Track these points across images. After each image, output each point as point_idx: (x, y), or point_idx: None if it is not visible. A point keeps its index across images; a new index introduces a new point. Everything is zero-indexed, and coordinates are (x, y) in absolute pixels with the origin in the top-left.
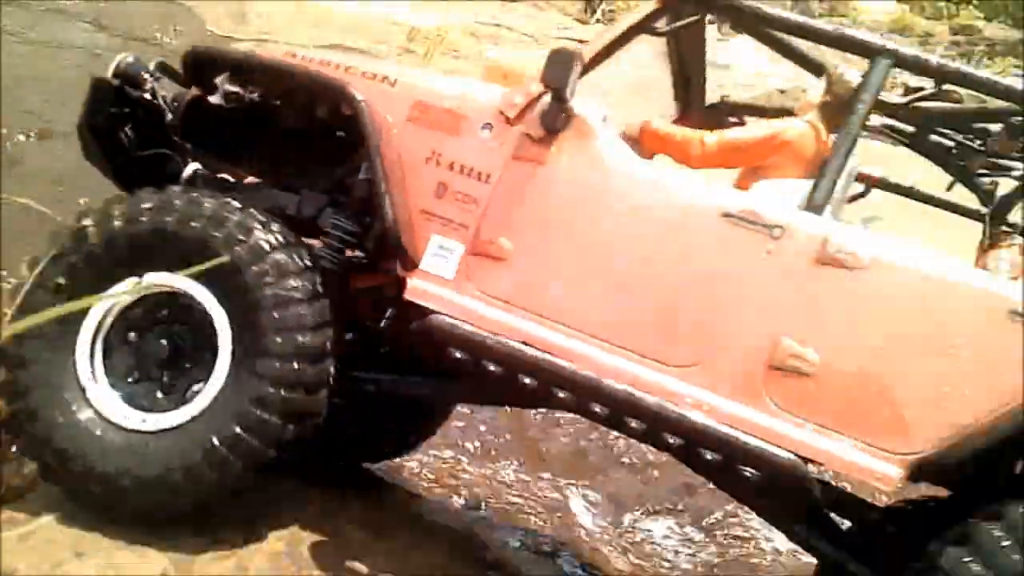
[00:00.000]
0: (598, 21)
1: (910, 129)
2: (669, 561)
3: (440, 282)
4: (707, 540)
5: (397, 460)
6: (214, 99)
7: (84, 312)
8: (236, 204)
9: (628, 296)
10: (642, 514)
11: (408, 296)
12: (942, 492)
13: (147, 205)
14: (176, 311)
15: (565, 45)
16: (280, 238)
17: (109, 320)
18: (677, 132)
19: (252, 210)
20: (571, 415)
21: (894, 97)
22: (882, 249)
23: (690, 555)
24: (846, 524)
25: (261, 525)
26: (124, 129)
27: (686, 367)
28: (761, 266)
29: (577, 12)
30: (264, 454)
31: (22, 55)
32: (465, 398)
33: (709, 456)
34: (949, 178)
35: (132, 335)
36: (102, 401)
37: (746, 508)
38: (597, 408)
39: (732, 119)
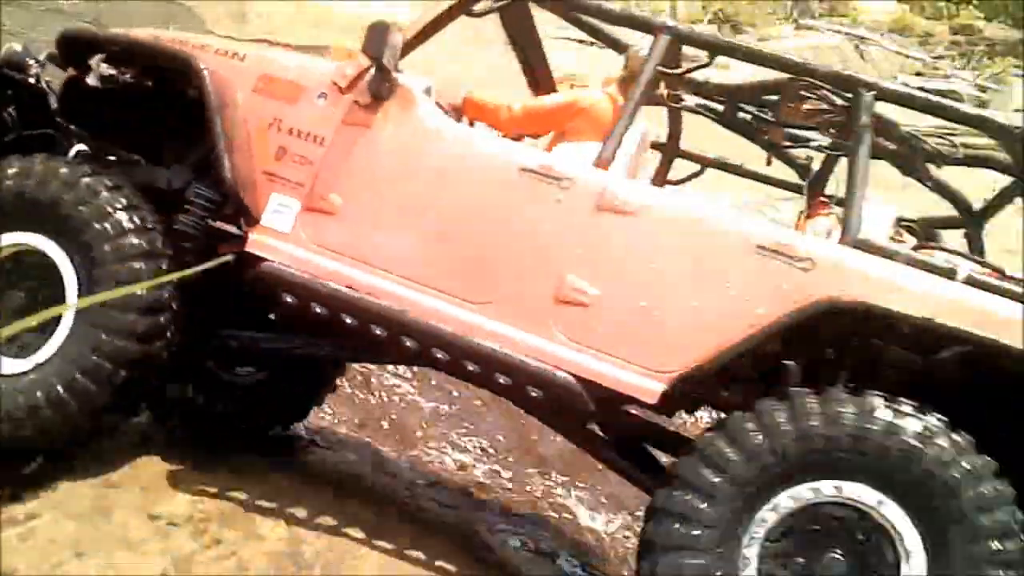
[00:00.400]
0: None
1: (721, 108)
2: None
3: (278, 235)
4: None
5: (396, 460)
6: (91, 80)
7: None
8: (89, 170)
9: (439, 243)
10: (642, 514)
11: (249, 248)
12: None
13: (11, 171)
14: (27, 268)
15: (383, 19)
16: (124, 200)
17: None
18: (491, 101)
19: (104, 176)
20: None
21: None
22: (650, 197)
23: None
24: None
25: (261, 525)
26: (8, 111)
27: (485, 303)
28: (551, 213)
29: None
30: (99, 396)
31: None
32: (313, 350)
33: (502, 380)
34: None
35: None
36: None
37: None
38: (408, 343)
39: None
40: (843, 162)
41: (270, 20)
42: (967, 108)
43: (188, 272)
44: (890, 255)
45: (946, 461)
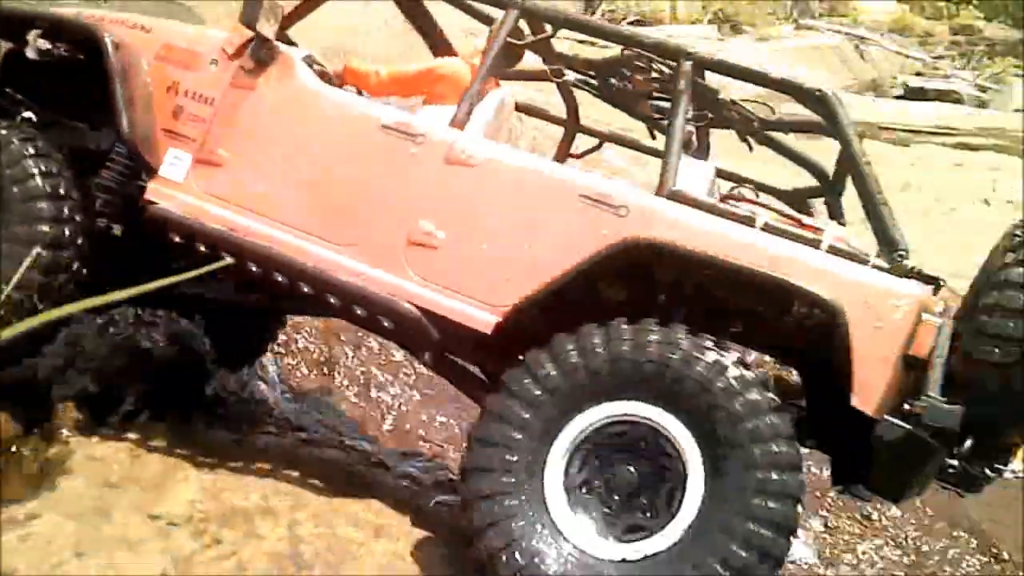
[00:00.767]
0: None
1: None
2: None
3: (173, 185)
4: None
5: (397, 460)
6: (29, 54)
7: None
8: (24, 135)
9: (310, 191)
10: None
11: (147, 196)
12: None
13: None
14: None
15: None
16: (36, 149)
17: None
18: (363, 68)
19: (33, 139)
20: None
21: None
22: (493, 151)
23: None
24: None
25: (261, 525)
26: None
27: (349, 245)
28: (406, 165)
29: (577, 12)
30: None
31: None
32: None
33: (359, 311)
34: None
35: None
36: None
37: None
38: (280, 278)
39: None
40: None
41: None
42: (776, 74)
43: (183, 276)
44: (698, 205)
45: (731, 392)
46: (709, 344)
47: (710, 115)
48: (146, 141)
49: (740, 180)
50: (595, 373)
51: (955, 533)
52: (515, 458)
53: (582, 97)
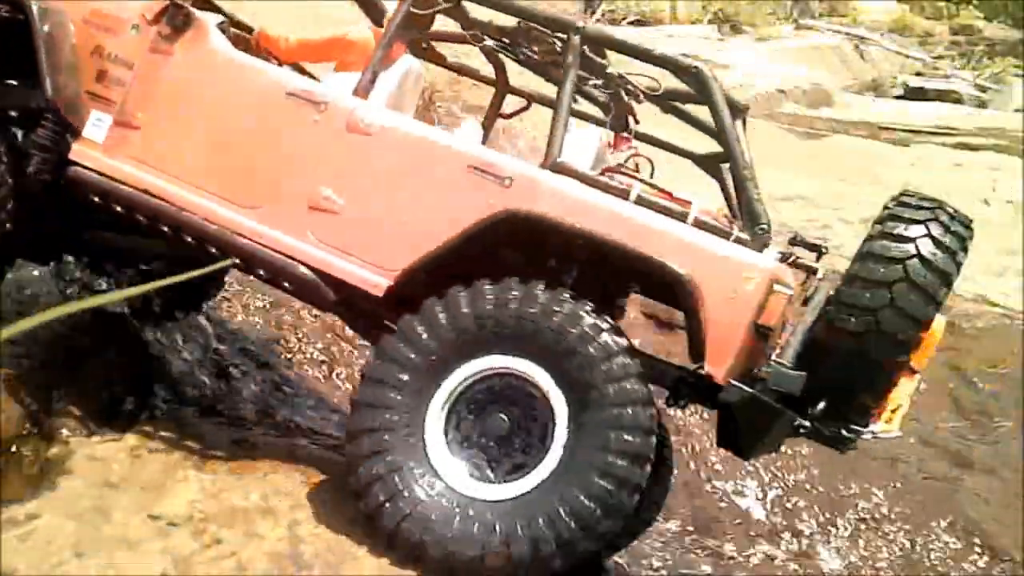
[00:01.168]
0: (598, 21)
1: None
2: (667, 560)
3: (93, 146)
4: (704, 539)
5: None
6: None
7: None
8: None
9: (219, 155)
10: (642, 513)
11: (70, 156)
12: None
13: None
14: None
15: None
16: None
17: None
18: (274, 35)
19: None
20: None
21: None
22: (390, 120)
23: (687, 554)
24: None
25: (261, 525)
26: None
27: (254, 208)
28: (309, 132)
29: (577, 12)
30: None
31: None
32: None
33: (261, 272)
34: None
35: None
36: None
37: (742, 509)
38: (188, 239)
39: None
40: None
41: (267, 19)
42: (657, 50)
43: (186, 276)
44: (578, 177)
45: (586, 338)
46: (565, 297)
47: (621, 88)
48: (71, 103)
49: (659, 144)
50: (463, 331)
51: (955, 533)
52: (395, 417)
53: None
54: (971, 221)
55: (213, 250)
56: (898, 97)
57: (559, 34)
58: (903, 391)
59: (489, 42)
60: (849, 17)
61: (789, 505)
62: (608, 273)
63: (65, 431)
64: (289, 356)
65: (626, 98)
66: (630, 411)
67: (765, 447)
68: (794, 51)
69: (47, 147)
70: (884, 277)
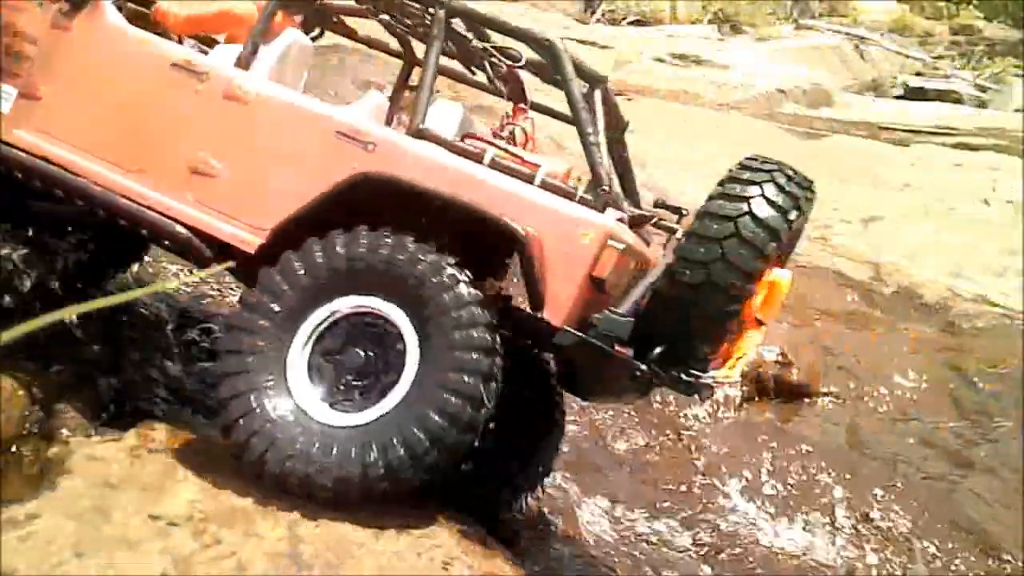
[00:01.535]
0: (598, 21)
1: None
2: (667, 560)
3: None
4: (704, 539)
5: None
6: None
7: None
8: None
9: (111, 123)
10: (641, 514)
11: None
12: None
13: None
14: None
15: None
16: None
17: None
18: (166, 10)
19: None
20: (570, 417)
21: None
22: (266, 89)
23: (687, 554)
24: None
25: (261, 525)
26: None
27: (140, 172)
28: (191, 100)
29: (577, 12)
30: None
31: None
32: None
33: (144, 232)
34: None
35: None
36: None
37: (743, 509)
38: (79, 202)
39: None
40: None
41: None
42: (513, 24)
43: (191, 278)
44: (439, 142)
45: (443, 287)
46: (430, 248)
47: (486, 59)
48: None
49: (552, 113)
50: (334, 271)
51: (955, 533)
52: (257, 359)
53: None
54: (811, 183)
55: (100, 212)
56: (898, 97)
57: (428, 8)
58: (749, 341)
59: (385, 16)
60: (849, 17)
61: (789, 505)
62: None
63: (65, 431)
64: None
65: (490, 70)
66: (472, 356)
67: (604, 390)
68: (794, 51)
69: None
70: (717, 233)
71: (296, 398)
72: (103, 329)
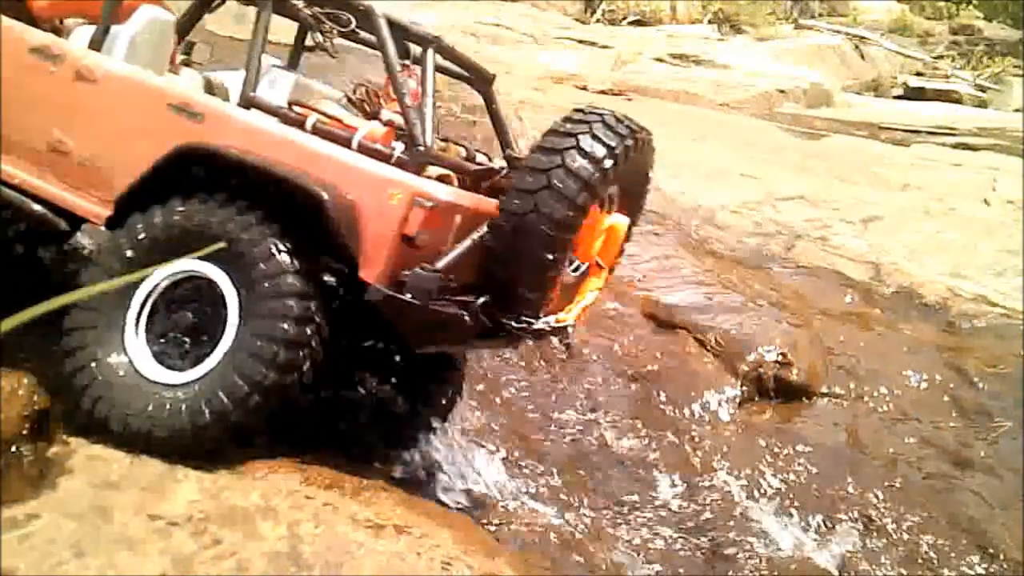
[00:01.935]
0: (598, 21)
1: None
2: (667, 560)
3: None
4: (705, 540)
5: (395, 461)
6: None
7: None
8: None
9: None
10: (641, 514)
11: None
12: None
13: None
14: None
15: None
16: None
17: None
18: None
19: None
20: (570, 418)
21: None
22: (112, 67)
23: (688, 555)
24: None
25: (261, 525)
26: None
27: (7, 154)
28: (47, 82)
29: (577, 12)
30: None
31: None
32: None
33: (4, 213)
34: None
35: None
36: None
37: (743, 509)
38: None
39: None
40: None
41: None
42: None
43: (178, 261)
44: (266, 111)
45: (264, 255)
46: (255, 217)
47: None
48: None
49: (439, 71)
50: (155, 240)
51: (955, 533)
52: (97, 323)
53: None
54: (637, 129)
55: None
56: (898, 97)
57: None
58: (591, 285)
59: None
60: (849, 17)
61: (788, 505)
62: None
63: (65, 431)
64: None
65: (322, 36)
66: (283, 325)
67: (426, 340)
68: (794, 51)
69: None
70: (531, 185)
71: (135, 362)
72: None
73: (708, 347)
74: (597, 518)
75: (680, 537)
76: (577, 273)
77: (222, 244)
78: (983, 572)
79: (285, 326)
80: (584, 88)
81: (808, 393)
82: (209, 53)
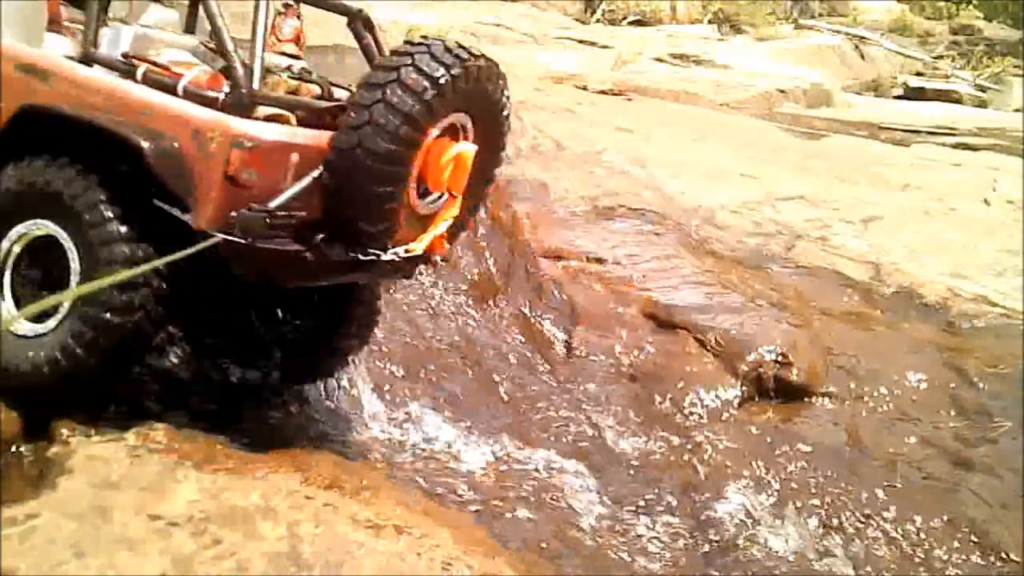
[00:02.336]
0: (598, 21)
1: None
2: (668, 560)
3: None
4: (705, 540)
5: (397, 460)
6: None
7: None
8: None
9: None
10: (642, 514)
11: None
12: None
13: None
14: None
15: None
16: None
17: None
18: None
19: None
20: (571, 417)
21: None
22: None
23: (688, 554)
24: None
25: (261, 525)
26: None
27: None
28: None
29: (577, 12)
30: None
31: None
32: None
33: None
34: None
35: None
36: None
37: (743, 509)
38: None
39: None
40: None
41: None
42: None
43: (175, 256)
44: (106, 64)
45: (97, 216)
46: (77, 169)
47: None
48: None
49: (318, 4)
50: (3, 201)
51: (955, 533)
52: None
53: None
54: (468, 55)
55: None
56: (898, 97)
57: None
58: (444, 214)
59: None
60: (849, 17)
61: (789, 505)
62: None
63: (65, 431)
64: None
65: None
66: (115, 290)
67: (279, 278)
68: (794, 51)
69: None
70: (356, 121)
71: (2, 320)
72: None
73: (708, 347)
74: (597, 518)
75: (680, 537)
76: (434, 203)
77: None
78: (983, 572)
79: (111, 316)
80: (584, 88)
81: (808, 393)
82: (127, 9)
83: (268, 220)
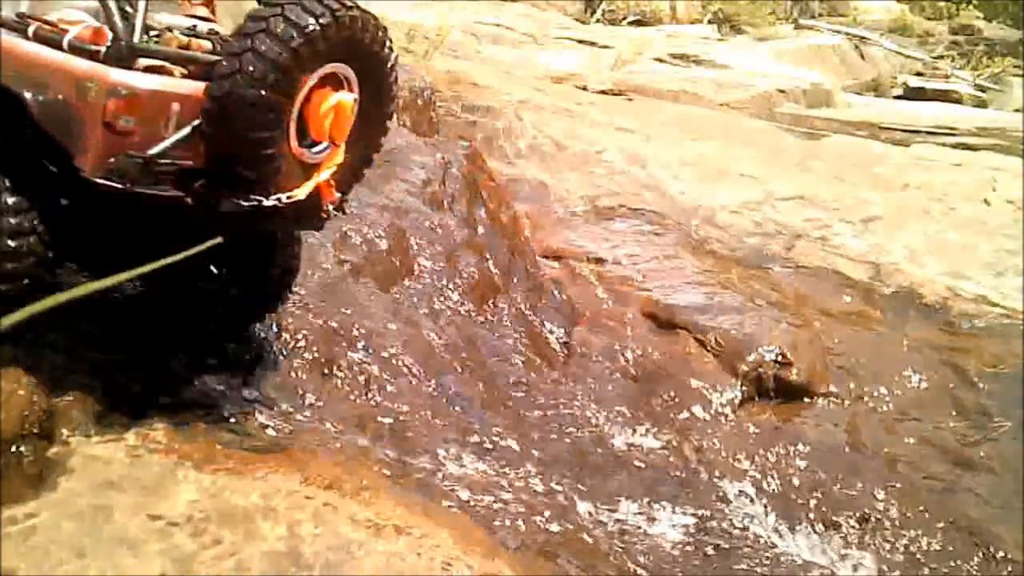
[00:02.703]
0: (598, 21)
1: None
2: (667, 560)
3: None
4: (706, 540)
5: (397, 461)
6: None
7: None
8: None
9: None
10: (642, 514)
11: None
12: None
13: None
14: None
15: None
16: None
17: None
18: None
19: None
20: (571, 416)
21: None
22: None
23: (688, 554)
24: None
25: (261, 525)
26: None
27: None
28: None
29: (577, 12)
30: None
31: None
32: None
33: None
34: None
35: None
36: None
37: (743, 509)
38: None
39: None
40: None
41: None
42: None
43: (177, 257)
44: (3, 24)
45: None
46: None
47: None
48: None
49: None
50: None
51: (955, 533)
52: None
53: None
54: (346, 7)
55: None
56: (898, 97)
57: None
58: (328, 162)
59: None
60: (849, 17)
61: (788, 505)
62: None
63: (65, 431)
64: (289, 357)
65: None
66: None
67: (160, 223)
68: (794, 51)
69: None
70: (226, 70)
71: None
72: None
73: (708, 347)
74: (596, 517)
75: (679, 537)
76: (320, 153)
77: None
78: (983, 572)
79: None
80: (584, 88)
81: (808, 393)
82: None
83: (147, 166)
